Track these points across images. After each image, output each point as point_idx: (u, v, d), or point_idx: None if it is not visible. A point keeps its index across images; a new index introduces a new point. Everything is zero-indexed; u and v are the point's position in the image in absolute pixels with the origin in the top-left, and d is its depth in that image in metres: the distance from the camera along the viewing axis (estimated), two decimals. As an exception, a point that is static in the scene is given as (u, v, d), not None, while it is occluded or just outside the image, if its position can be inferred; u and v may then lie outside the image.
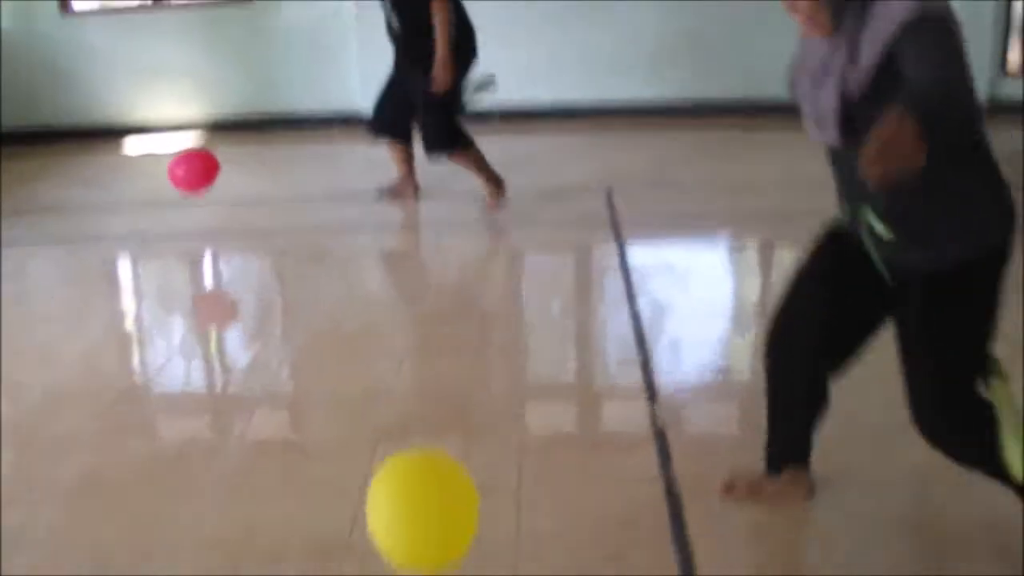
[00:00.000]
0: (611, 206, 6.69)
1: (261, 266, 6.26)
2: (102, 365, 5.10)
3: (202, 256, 6.52)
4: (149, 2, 9.41)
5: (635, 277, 5.50)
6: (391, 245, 6.54)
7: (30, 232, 6.92)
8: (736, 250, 6.27)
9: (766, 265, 6.12)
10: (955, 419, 2.77)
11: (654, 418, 4.05)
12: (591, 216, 6.58)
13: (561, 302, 5.55)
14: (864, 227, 2.77)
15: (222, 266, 6.50)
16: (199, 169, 6.31)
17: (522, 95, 8.76)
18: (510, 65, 8.57)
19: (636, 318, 5.00)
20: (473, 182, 6.73)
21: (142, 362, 5.23)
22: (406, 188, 6.79)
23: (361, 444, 4.00)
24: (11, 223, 7.13)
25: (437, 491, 2.65)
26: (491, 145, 8.20)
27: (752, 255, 6.31)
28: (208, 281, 6.40)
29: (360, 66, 8.76)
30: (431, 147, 6.32)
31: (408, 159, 6.72)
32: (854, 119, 2.59)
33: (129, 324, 5.69)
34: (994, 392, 2.73)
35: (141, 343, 5.47)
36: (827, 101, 2.62)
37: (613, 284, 5.52)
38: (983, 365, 2.73)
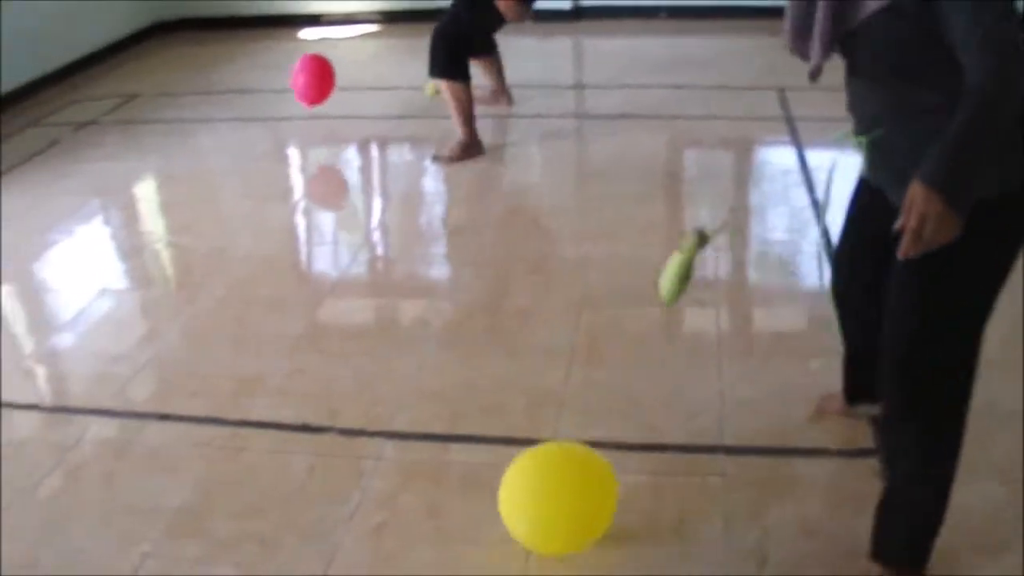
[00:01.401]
0: (785, 105, 6.64)
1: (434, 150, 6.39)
2: (301, 235, 5.42)
3: (386, 138, 6.72)
4: None
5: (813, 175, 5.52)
6: (558, 129, 6.61)
7: (221, 110, 7.22)
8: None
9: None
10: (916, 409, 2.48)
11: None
12: (764, 114, 6.55)
13: (738, 192, 5.64)
14: (867, 154, 2.55)
15: (403, 147, 6.68)
16: (317, 79, 6.72)
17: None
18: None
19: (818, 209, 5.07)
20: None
21: (340, 234, 5.48)
22: (499, 96, 6.82)
23: (567, 309, 4.22)
24: (202, 103, 7.48)
25: (575, 480, 2.83)
26: (658, 43, 8.29)
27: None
28: (396, 161, 6.61)
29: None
30: (431, 67, 6.09)
31: (495, 70, 6.78)
32: (847, 44, 2.41)
33: (321, 199, 5.95)
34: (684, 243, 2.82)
35: (339, 215, 5.75)
36: (820, 22, 2.39)
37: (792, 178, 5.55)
38: (970, 353, 2.40)
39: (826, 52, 2.40)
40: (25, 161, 6.54)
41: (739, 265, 4.74)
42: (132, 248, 5.31)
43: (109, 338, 4.35)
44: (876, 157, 2.51)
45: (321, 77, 6.74)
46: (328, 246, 5.36)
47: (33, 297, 4.86)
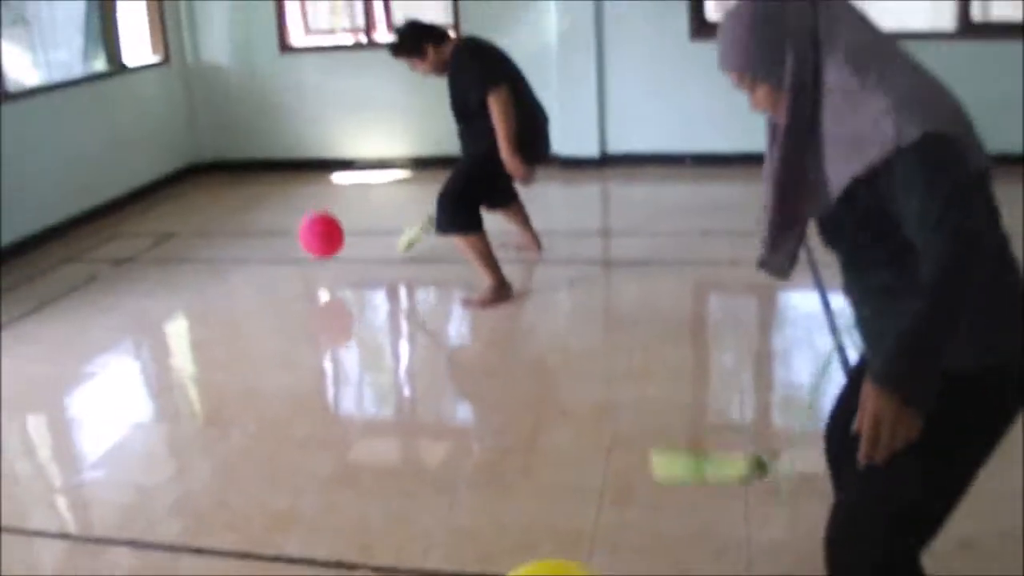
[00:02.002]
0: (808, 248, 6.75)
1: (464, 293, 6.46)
2: (332, 375, 5.50)
3: (415, 281, 6.84)
4: (363, 40, 9.91)
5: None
6: (586, 275, 6.72)
7: (255, 251, 7.38)
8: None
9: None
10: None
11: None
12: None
13: (762, 334, 5.71)
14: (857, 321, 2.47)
15: (433, 291, 6.80)
16: (324, 235, 6.87)
17: (714, 142, 8.96)
18: (706, 112, 8.83)
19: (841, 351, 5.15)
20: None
21: (373, 374, 5.57)
22: (529, 243, 6.93)
23: (597, 450, 4.27)
24: (236, 244, 7.65)
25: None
26: (683, 189, 8.46)
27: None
28: (425, 304, 6.72)
29: (561, 107, 9.05)
30: (437, 223, 6.13)
31: (520, 218, 6.89)
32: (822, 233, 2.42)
33: (351, 341, 6.05)
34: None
35: (370, 357, 5.84)
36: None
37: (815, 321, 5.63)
38: (927, 532, 2.31)
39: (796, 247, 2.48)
40: (65, 294, 6.69)
41: (764, 408, 4.80)
42: (166, 384, 5.41)
43: (142, 472, 4.42)
44: (865, 340, 2.45)
45: (327, 235, 6.92)
46: (359, 387, 5.44)
47: (68, 428, 4.94)
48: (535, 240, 6.91)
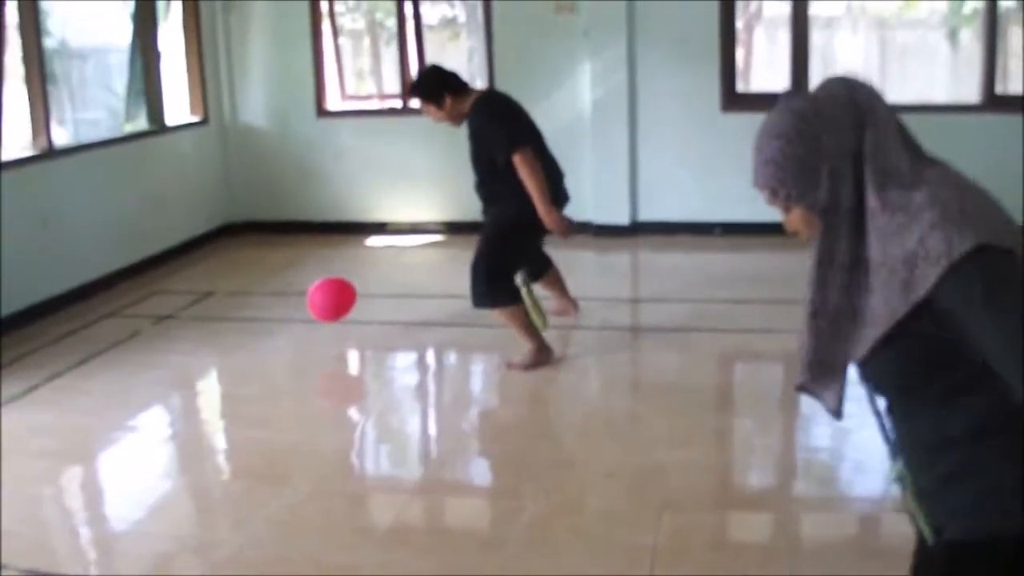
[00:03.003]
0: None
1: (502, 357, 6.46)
2: (378, 434, 5.60)
3: (452, 343, 6.93)
4: (398, 106, 10.09)
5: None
6: (619, 341, 6.81)
7: (292, 311, 7.48)
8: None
9: None
10: None
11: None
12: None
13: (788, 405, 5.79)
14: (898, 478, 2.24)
15: (476, 354, 6.89)
16: (335, 299, 6.79)
17: (743, 212, 9.06)
18: (736, 182, 8.94)
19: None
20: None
21: (418, 434, 5.68)
22: (566, 308, 6.98)
23: (648, 511, 4.35)
24: (274, 304, 7.77)
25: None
26: (713, 258, 8.56)
27: None
28: (464, 366, 6.82)
29: (594, 175, 9.21)
30: (474, 298, 6.13)
31: (557, 285, 6.94)
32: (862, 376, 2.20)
33: (396, 401, 6.14)
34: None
35: (415, 418, 5.93)
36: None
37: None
38: None
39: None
40: (108, 348, 6.80)
41: (806, 477, 4.88)
42: (214, 441, 5.55)
43: (199, 525, 4.52)
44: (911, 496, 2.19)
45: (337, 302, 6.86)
46: (406, 446, 5.53)
47: (120, 481, 5.02)
48: (572, 304, 6.98)
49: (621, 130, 9.23)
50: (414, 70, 9.92)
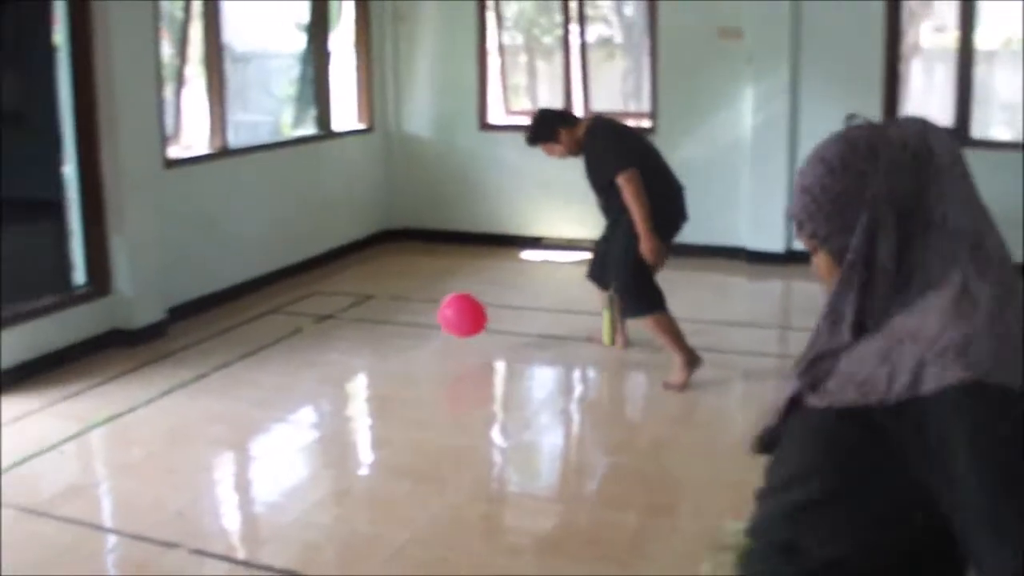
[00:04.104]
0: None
1: (652, 375, 6.52)
2: (536, 442, 5.73)
3: (599, 359, 7.00)
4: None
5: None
6: (763, 367, 6.83)
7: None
8: None
9: None
10: None
11: None
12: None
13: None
14: None
15: (635, 372, 6.99)
16: (467, 316, 6.86)
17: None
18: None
19: None
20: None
21: (575, 444, 5.80)
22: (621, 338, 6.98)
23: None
24: (432, 309, 7.93)
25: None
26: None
27: None
28: (613, 381, 6.92)
29: (750, 200, 9.24)
30: (627, 311, 6.38)
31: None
32: None
33: (550, 411, 6.25)
34: None
35: (569, 428, 6.06)
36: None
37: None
38: None
39: None
40: (272, 344, 7.07)
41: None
42: (377, 439, 5.74)
43: (363, 520, 4.69)
44: None
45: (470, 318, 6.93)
46: (564, 455, 5.68)
47: (289, 474, 5.23)
48: (624, 335, 6.96)
49: (780, 157, 9.22)
50: (576, 88, 10.09)
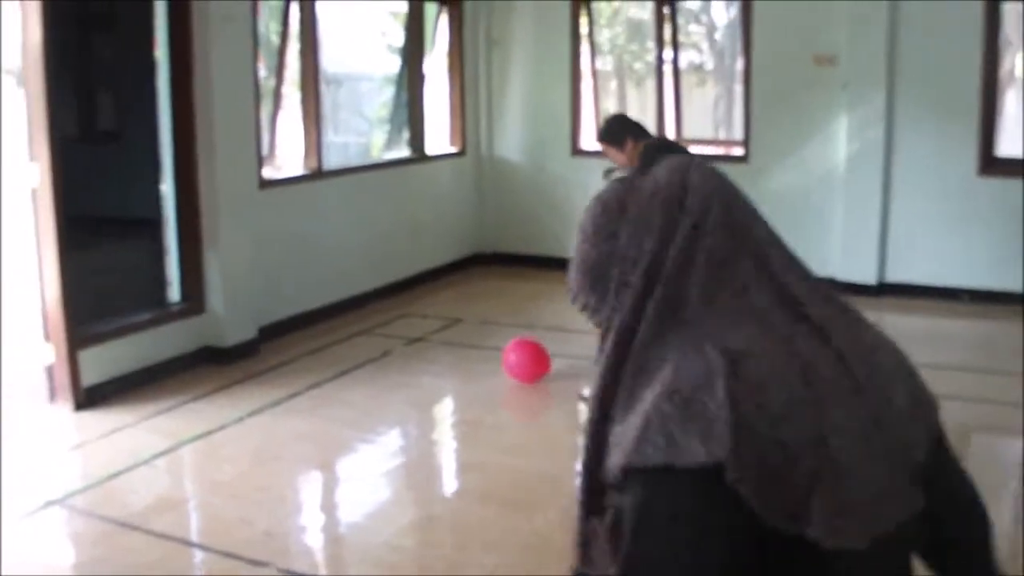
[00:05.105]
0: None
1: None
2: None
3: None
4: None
5: None
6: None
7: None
8: None
9: None
10: None
11: None
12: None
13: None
14: None
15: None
16: (530, 361, 6.80)
17: (994, 279, 8.83)
18: (988, 248, 8.75)
19: None
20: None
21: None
22: None
23: None
24: (519, 335, 7.94)
25: None
26: (957, 324, 8.34)
27: None
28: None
29: (843, 231, 9.13)
30: None
31: None
32: None
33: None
34: None
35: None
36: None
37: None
38: None
39: None
40: (363, 364, 7.12)
41: None
42: (465, 463, 5.73)
43: (452, 545, 4.69)
44: None
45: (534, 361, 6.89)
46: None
47: (377, 494, 5.26)
48: None
49: (874, 187, 9.09)
50: (668, 115, 10.06)
